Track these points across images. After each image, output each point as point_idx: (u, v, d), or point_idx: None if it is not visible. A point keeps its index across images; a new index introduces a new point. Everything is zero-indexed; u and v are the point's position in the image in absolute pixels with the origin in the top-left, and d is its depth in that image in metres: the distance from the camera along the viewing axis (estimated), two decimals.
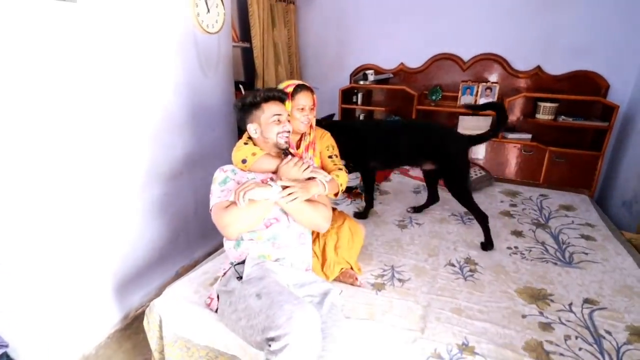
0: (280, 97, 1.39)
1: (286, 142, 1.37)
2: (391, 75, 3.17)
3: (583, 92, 2.66)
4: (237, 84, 2.71)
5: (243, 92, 2.89)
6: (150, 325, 1.37)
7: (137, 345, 1.72)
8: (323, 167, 1.57)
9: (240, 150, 1.41)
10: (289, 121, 1.39)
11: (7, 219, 1.32)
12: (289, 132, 1.38)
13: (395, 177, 2.87)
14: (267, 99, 1.36)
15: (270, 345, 0.97)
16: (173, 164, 2.07)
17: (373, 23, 3.13)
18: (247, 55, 2.93)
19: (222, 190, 1.32)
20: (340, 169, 1.54)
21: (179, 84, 2.01)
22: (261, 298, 1.07)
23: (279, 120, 1.35)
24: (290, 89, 1.45)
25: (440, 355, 1.15)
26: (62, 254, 1.53)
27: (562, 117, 2.70)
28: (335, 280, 1.50)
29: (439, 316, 1.32)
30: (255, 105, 1.36)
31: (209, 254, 1.73)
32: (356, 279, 1.48)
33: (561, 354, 1.17)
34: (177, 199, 2.13)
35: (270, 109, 1.35)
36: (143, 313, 1.43)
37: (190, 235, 2.29)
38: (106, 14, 1.55)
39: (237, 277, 1.21)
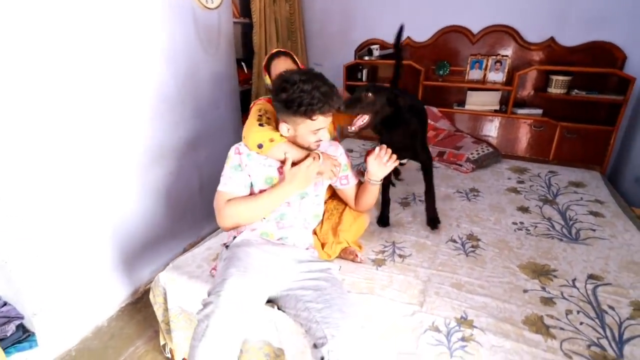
0: (338, 107, 1.16)
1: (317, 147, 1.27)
2: None
3: (598, 64, 2.54)
4: (238, 61, 2.66)
5: (245, 70, 2.84)
6: (155, 298, 1.42)
7: (148, 318, 1.78)
8: None
9: (255, 133, 1.21)
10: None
11: (24, 200, 1.36)
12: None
13: None
14: (322, 111, 1.11)
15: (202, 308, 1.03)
16: (176, 142, 2.08)
17: None
18: (247, 32, 2.87)
19: (230, 177, 1.24)
20: None
21: (178, 62, 1.99)
22: (225, 262, 1.14)
23: (317, 131, 1.19)
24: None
25: (438, 328, 1.16)
26: (72, 232, 1.58)
27: (575, 90, 2.60)
28: (336, 257, 1.50)
29: (438, 291, 1.32)
30: (302, 114, 1.12)
31: (215, 231, 1.76)
32: (356, 255, 1.49)
33: (561, 328, 1.16)
34: (182, 178, 2.15)
35: (316, 123, 1.15)
36: None
37: (197, 213, 2.32)
38: None
39: (226, 245, 1.27)
